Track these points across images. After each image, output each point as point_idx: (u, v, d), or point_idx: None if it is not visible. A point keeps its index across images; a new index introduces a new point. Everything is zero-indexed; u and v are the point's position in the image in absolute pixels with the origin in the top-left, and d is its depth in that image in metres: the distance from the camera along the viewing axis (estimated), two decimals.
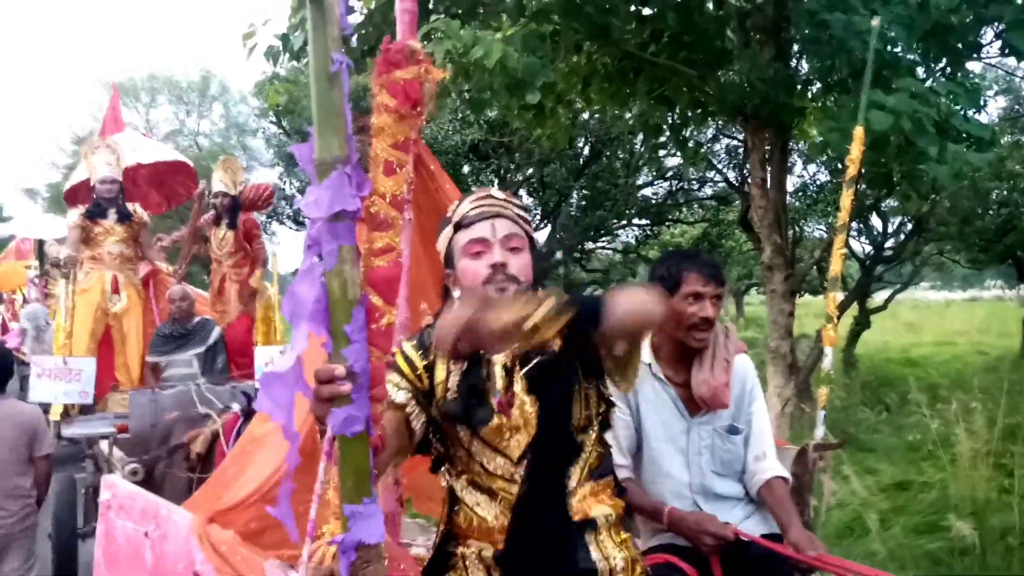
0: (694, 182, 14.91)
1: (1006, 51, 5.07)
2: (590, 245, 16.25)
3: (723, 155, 13.24)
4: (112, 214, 5.89)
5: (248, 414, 3.99)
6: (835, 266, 3.06)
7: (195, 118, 27.09)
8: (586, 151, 13.83)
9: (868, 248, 12.81)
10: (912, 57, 4.78)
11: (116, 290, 5.94)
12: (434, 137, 11.74)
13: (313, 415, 1.25)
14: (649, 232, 16.32)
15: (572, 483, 1.70)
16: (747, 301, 28.27)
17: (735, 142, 12.29)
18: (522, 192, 13.61)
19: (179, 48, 56.25)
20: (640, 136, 12.17)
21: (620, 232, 16.17)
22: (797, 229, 12.36)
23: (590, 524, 1.71)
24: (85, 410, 5.21)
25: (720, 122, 10.77)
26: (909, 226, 12.12)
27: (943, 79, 4.93)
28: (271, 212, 15.74)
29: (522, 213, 1.80)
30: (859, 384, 9.83)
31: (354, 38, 5.78)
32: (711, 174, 14.00)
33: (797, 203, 11.92)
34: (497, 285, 1.67)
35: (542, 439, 1.68)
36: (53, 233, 10.17)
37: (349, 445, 1.20)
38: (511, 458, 1.69)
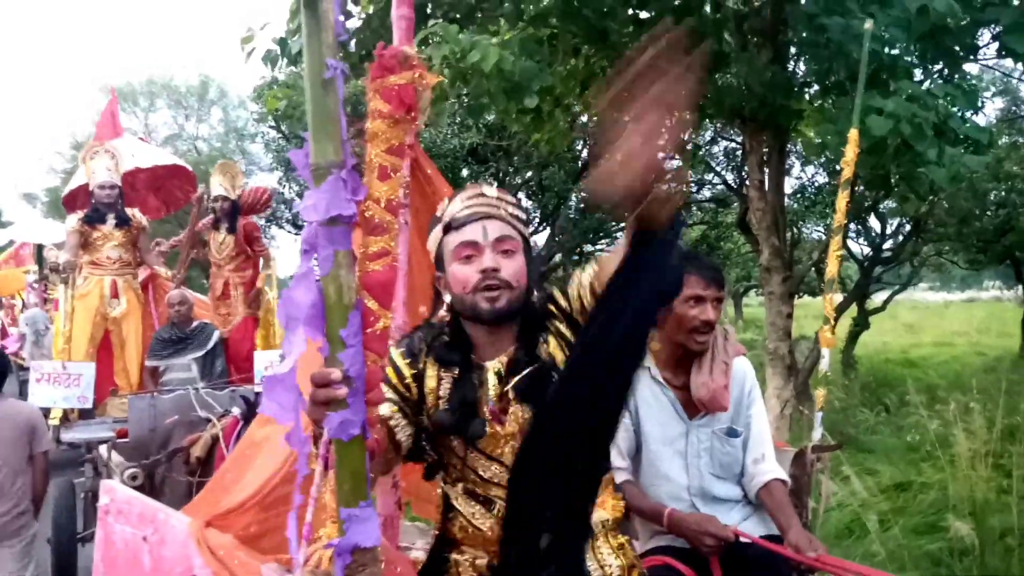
0: (692, 184, 14.90)
1: (1003, 53, 5.08)
2: (589, 247, 16.25)
3: (721, 157, 13.25)
4: (111, 219, 5.89)
5: (248, 418, 3.99)
6: (831, 268, 3.08)
7: (194, 123, 27.10)
8: (584, 154, 13.83)
9: (867, 249, 12.83)
10: (910, 59, 4.79)
11: (115, 295, 5.94)
12: (433, 141, 11.75)
13: (309, 419, 1.26)
14: None
15: None
16: (746, 303, 28.27)
17: (733, 144, 12.30)
18: (521, 195, 13.61)
19: (178, 53, 56.20)
20: None
21: (619, 235, 16.15)
22: (795, 231, 12.37)
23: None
24: (84, 415, 5.22)
25: (718, 124, 10.78)
26: (907, 227, 12.14)
27: (940, 81, 4.95)
28: (270, 216, 15.72)
29: (516, 212, 1.71)
30: (858, 385, 9.82)
31: (352, 43, 5.79)
32: (709, 176, 14.00)
33: (795, 205, 11.93)
34: (489, 293, 1.61)
35: None
36: (52, 238, 10.18)
37: (345, 449, 1.20)
38: (506, 465, 1.67)
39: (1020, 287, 15.23)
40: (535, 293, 1.71)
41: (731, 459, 2.39)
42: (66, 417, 4.98)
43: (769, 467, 2.37)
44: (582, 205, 14.21)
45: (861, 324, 11.99)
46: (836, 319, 3.16)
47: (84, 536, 4.31)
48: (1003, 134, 11.32)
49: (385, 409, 1.64)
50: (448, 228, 1.67)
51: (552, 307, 1.69)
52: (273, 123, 15.11)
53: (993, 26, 4.92)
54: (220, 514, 2.41)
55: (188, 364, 5.67)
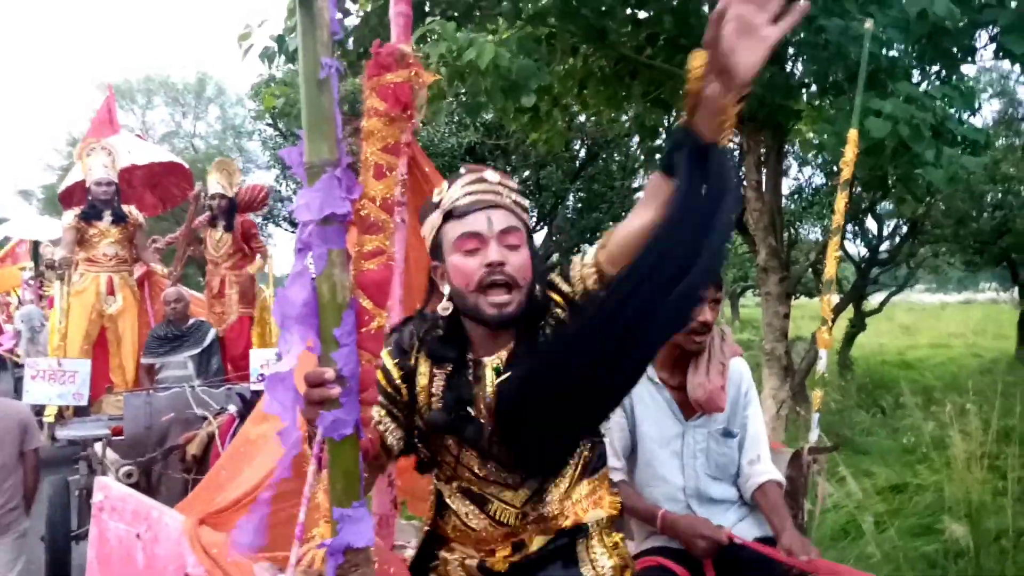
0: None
1: (1000, 54, 5.08)
2: (586, 247, 16.24)
3: None
4: (107, 216, 5.88)
5: (244, 416, 3.99)
6: (830, 269, 3.07)
7: (191, 120, 27.07)
8: (582, 154, 13.84)
9: (863, 251, 12.84)
10: (908, 61, 4.79)
11: (111, 292, 5.93)
12: (430, 140, 11.74)
13: (303, 418, 1.25)
14: None
15: (565, 484, 1.65)
16: (742, 303, 28.28)
17: (731, 144, 12.28)
18: None
19: (175, 50, 56.19)
20: (636, 139, 12.17)
21: None
22: (792, 232, 12.37)
23: (581, 530, 1.66)
24: (79, 412, 5.20)
25: None
26: (904, 229, 12.15)
27: (938, 83, 4.95)
28: (266, 214, 15.72)
29: (519, 200, 1.61)
30: (855, 386, 9.83)
31: (350, 41, 5.77)
32: None
33: (792, 206, 11.94)
34: (495, 293, 1.52)
35: None
36: (48, 235, 10.14)
37: (339, 448, 1.20)
38: (502, 463, 1.63)
39: (1016, 289, 15.24)
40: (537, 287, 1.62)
41: (727, 460, 2.39)
42: (61, 414, 4.97)
43: (764, 468, 2.37)
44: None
45: (857, 325, 12.00)
46: (833, 320, 3.16)
47: (78, 533, 4.31)
48: (1000, 136, 11.33)
49: (373, 413, 1.59)
50: (448, 216, 1.56)
51: (553, 294, 1.61)
52: (270, 121, 15.09)
53: (991, 27, 4.92)
54: (214, 512, 2.41)
55: (184, 362, 5.66)
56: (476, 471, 1.65)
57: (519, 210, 1.60)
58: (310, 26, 1.15)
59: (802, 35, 4.85)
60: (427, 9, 5.54)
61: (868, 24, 3.08)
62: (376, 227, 1.24)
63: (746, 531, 2.32)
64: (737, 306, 26.72)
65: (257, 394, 4.31)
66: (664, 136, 7.49)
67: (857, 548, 4.31)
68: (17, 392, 7.22)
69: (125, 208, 6.03)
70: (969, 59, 5.26)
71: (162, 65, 38.28)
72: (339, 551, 1.19)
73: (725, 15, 1.18)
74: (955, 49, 4.89)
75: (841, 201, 2.97)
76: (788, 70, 6.16)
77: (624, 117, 8.03)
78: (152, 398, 4.60)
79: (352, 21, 5.80)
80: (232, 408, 4.30)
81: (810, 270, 12.14)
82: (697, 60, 1.25)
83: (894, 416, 7.64)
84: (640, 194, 15.05)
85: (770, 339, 6.17)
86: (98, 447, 4.40)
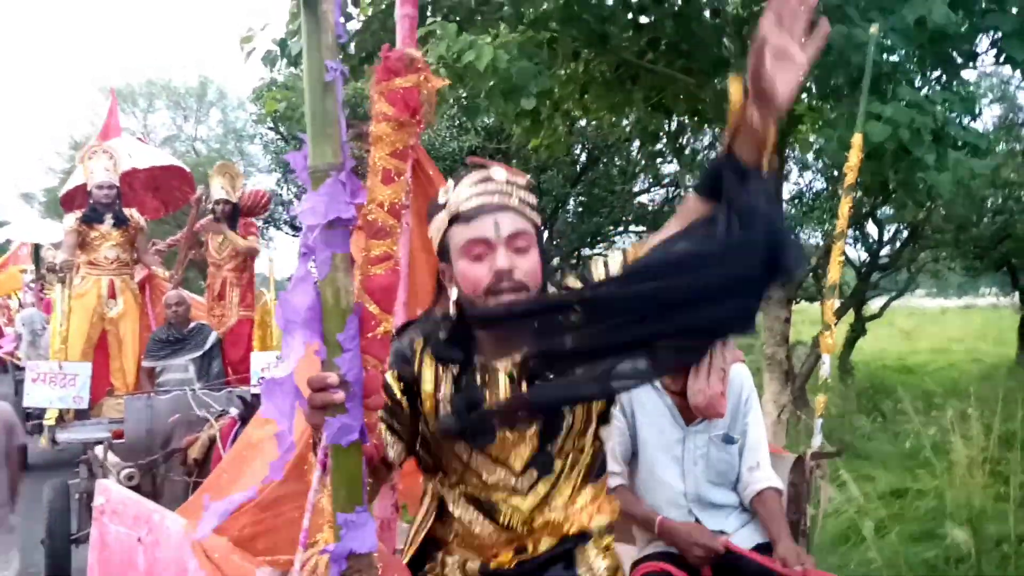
0: (691, 189, 14.93)
1: (1001, 60, 5.09)
2: (587, 251, 16.24)
3: None
4: (109, 219, 5.88)
5: (245, 419, 3.98)
6: (833, 273, 3.06)
7: (193, 124, 27.10)
8: (583, 158, 13.84)
9: (864, 255, 12.83)
10: (909, 66, 4.79)
11: (112, 295, 5.93)
12: (431, 143, 11.74)
13: (308, 424, 1.25)
14: (646, 238, 16.34)
15: (568, 490, 1.64)
16: None
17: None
18: None
19: (177, 54, 56.24)
20: (637, 143, 12.19)
21: (617, 239, 16.16)
22: (793, 236, 12.35)
23: (584, 536, 1.66)
24: (80, 415, 5.20)
25: (717, 129, 10.79)
26: (905, 234, 12.14)
27: (938, 88, 4.95)
28: (268, 218, 15.73)
29: (527, 198, 1.57)
30: (855, 392, 9.82)
31: (352, 44, 5.79)
32: None
33: (793, 210, 11.94)
34: (502, 295, 1.49)
35: (544, 448, 1.61)
36: (49, 238, 10.16)
37: (342, 454, 1.19)
38: (512, 469, 1.61)
39: (1017, 294, 15.23)
40: (548, 288, 1.59)
41: (727, 466, 2.39)
42: (62, 417, 4.96)
43: (764, 475, 2.37)
44: (581, 207, 14.18)
45: (858, 330, 11.99)
46: (835, 325, 3.15)
47: (78, 537, 4.30)
48: (1000, 141, 11.34)
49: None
50: (455, 218, 1.53)
51: None
52: (272, 125, 15.11)
53: (992, 33, 4.93)
54: None
55: (185, 365, 5.66)
56: (485, 478, 1.63)
57: (528, 210, 1.56)
58: (314, 29, 1.15)
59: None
60: (429, 13, 5.55)
61: (873, 29, 3.09)
62: (384, 232, 1.24)
63: (747, 537, 2.32)
64: None
65: (258, 397, 4.30)
66: (665, 140, 7.49)
67: (858, 553, 4.31)
68: (17, 395, 7.22)
69: (126, 211, 6.03)
70: (971, 65, 5.27)
71: (164, 68, 38.30)
72: (342, 557, 1.19)
73: (765, 45, 1.24)
74: (956, 55, 4.90)
75: (845, 206, 2.97)
76: None
77: (625, 122, 8.04)
78: (153, 401, 4.60)
79: (354, 25, 5.81)
80: (234, 411, 4.30)
81: (811, 274, 12.12)
82: (735, 88, 1.30)
83: (894, 421, 7.63)
84: (641, 198, 15.09)
85: (771, 344, 6.16)
86: (99, 450, 4.40)
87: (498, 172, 1.56)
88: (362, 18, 5.81)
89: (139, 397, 4.76)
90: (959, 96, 4.72)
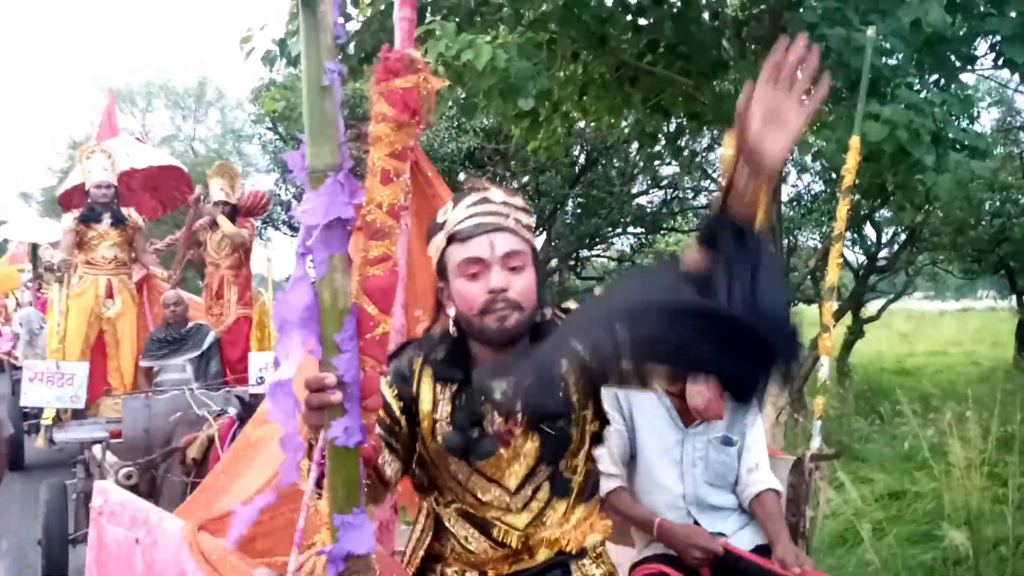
0: (689, 191, 14.91)
1: (999, 63, 5.10)
2: (585, 253, 16.23)
3: (718, 164, 13.26)
4: (106, 218, 5.87)
5: (243, 419, 3.97)
6: (832, 275, 3.07)
7: (191, 123, 27.09)
8: (582, 159, 13.83)
9: (862, 258, 12.84)
10: (908, 69, 4.80)
11: (110, 295, 5.92)
12: (430, 144, 11.73)
13: (306, 425, 1.24)
14: (644, 240, 16.31)
15: (562, 508, 1.67)
16: None
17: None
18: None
19: (176, 54, 56.18)
20: (636, 145, 12.19)
21: (615, 240, 16.17)
22: (791, 239, 12.37)
23: (581, 553, 1.69)
24: (77, 415, 5.19)
25: (716, 131, 10.80)
26: (903, 236, 12.15)
27: (936, 90, 4.96)
28: (266, 218, 15.70)
29: (523, 219, 1.61)
30: (853, 394, 9.82)
31: (351, 45, 5.78)
32: (706, 183, 14.01)
33: (791, 213, 11.95)
34: (497, 313, 1.53)
35: (539, 467, 1.64)
36: (47, 237, 10.14)
37: (340, 455, 1.19)
38: (507, 488, 1.64)
39: (1014, 297, 15.24)
40: (545, 308, 1.62)
41: (726, 468, 2.39)
42: (59, 417, 4.96)
43: (762, 477, 2.37)
44: (579, 210, 14.18)
45: (856, 332, 11.99)
46: (833, 327, 3.15)
47: (75, 538, 4.29)
48: (998, 144, 11.35)
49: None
50: (452, 238, 1.57)
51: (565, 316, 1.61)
52: (270, 125, 15.09)
53: (991, 36, 4.94)
54: (214, 518, 2.39)
55: (183, 365, 5.65)
56: (480, 496, 1.65)
57: (523, 230, 1.60)
58: (313, 29, 1.15)
59: None
60: (428, 14, 5.55)
61: (871, 32, 3.09)
62: (383, 233, 1.24)
63: (747, 539, 2.32)
64: None
65: (256, 397, 4.30)
66: (663, 142, 7.49)
67: (855, 555, 4.30)
68: (15, 394, 7.20)
69: (124, 211, 6.02)
70: (969, 68, 5.28)
71: (163, 68, 38.25)
72: (339, 558, 1.19)
73: (751, 102, 1.19)
74: (954, 58, 4.91)
75: (843, 208, 2.97)
76: None
77: (624, 123, 8.05)
78: (151, 401, 4.59)
79: (353, 26, 5.81)
80: (232, 410, 4.29)
81: (809, 277, 12.13)
82: (728, 144, 1.25)
83: (892, 423, 7.62)
84: (639, 200, 15.08)
85: None
86: (97, 450, 4.39)
87: (495, 193, 1.60)
88: (361, 19, 5.80)
89: (137, 397, 4.74)
90: (957, 98, 4.73)
